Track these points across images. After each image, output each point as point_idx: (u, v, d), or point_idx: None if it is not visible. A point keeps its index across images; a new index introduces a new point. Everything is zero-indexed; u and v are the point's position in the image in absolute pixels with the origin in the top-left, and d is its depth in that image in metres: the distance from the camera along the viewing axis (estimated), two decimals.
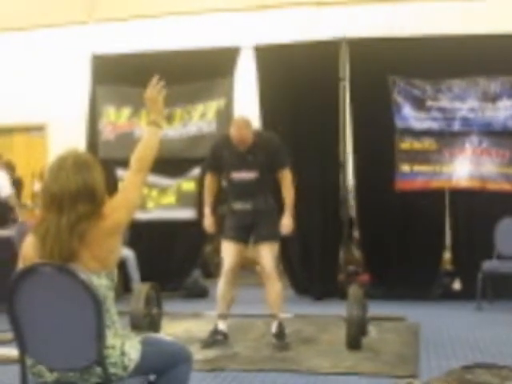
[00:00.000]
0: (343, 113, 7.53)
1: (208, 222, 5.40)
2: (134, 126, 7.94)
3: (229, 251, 5.27)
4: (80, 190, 2.58)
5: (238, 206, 5.25)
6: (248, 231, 5.29)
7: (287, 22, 9.66)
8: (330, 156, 7.58)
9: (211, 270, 8.49)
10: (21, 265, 2.62)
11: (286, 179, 5.26)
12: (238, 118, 5.37)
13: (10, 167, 10.08)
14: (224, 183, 5.60)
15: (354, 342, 4.96)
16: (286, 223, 5.23)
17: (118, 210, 2.65)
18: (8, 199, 8.20)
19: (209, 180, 5.44)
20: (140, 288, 5.40)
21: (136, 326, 4.94)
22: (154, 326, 5.25)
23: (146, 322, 5.11)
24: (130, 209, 2.71)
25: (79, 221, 2.55)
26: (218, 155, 5.30)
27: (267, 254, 5.18)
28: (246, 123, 5.16)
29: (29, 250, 2.64)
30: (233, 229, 5.29)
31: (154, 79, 2.99)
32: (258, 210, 5.21)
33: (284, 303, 5.35)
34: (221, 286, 5.25)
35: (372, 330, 5.34)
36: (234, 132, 5.12)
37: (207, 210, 5.40)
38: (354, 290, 5.21)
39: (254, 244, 5.31)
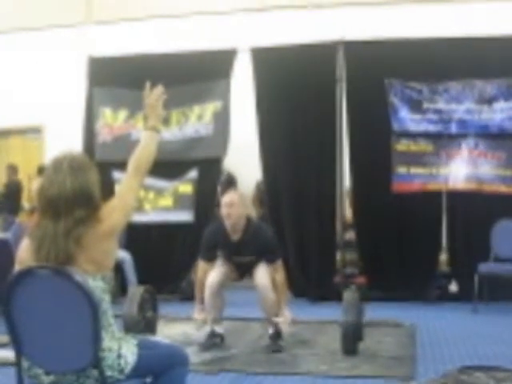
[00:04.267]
0: (340, 115, 7.54)
1: (199, 317, 5.29)
2: (130, 128, 7.94)
3: (219, 267, 5.26)
4: (76, 194, 2.58)
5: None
6: (244, 272, 5.34)
7: (284, 24, 9.67)
8: (326, 158, 7.58)
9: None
10: (17, 268, 2.62)
11: (278, 272, 5.17)
12: (229, 194, 5.30)
13: (13, 170, 10.12)
14: None
15: (350, 347, 4.94)
16: (286, 315, 5.16)
17: (115, 213, 2.65)
18: None
19: (202, 271, 5.27)
20: (134, 291, 5.37)
21: (130, 329, 4.90)
22: (149, 329, 5.23)
23: (140, 326, 5.08)
24: (126, 212, 2.71)
25: (76, 225, 2.55)
26: (213, 245, 5.28)
27: (262, 269, 5.14)
28: (235, 201, 5.11)
29: (25, 254, 2.64)
30: (228, 254, 5.29)
31: (148, 85, 2.98)
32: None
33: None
34: (207, 297, 5.16)
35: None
36: (223, 210, 5.10)
37: (198, 306, 5.29)
38: (349, 295, 5.18)
39: (251, 276, 5.29)
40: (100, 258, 2.59)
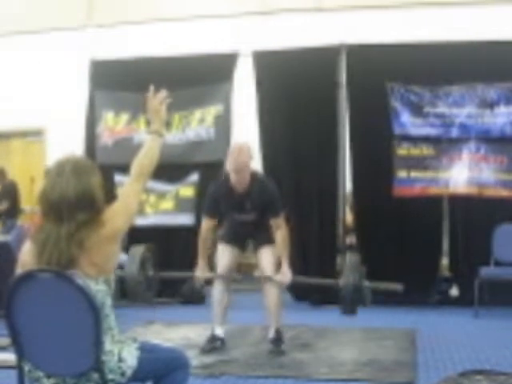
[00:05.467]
0: (341, 119, 7.54)
1: (201, 275, 5.30)
2: (132, 132, 7.95)
3: (223, 255, 5.27)
4: (79, 198, 2.58)
5: (239, 227, 5.26)
6: (246, 238, 5.29)
7: (286, 28, 9.68)
8: (327, 161, 7.58)
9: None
10: (19, 271, 2.62)
11: (280, 227, 5.15)
12: (235, 143, 5.32)
13: (1, 174, 10.07)
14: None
15: (350, 308, 4.91)
16: (285, 272, 5.14)
17: (117, 216, 2.65)
18: None
19: (205, 228, 5.27)
20: (135, 251, 5.30)
21: (132, 289, 4.84)
22: (151, 289, 5.19)
23: (141, 286, 5.03)
24: (128, 215, 2.71)
25: (78, 229, 2.55)
26: (216, 200, 5.23)
27: (267, 258, 5.17)
28: (244, 148, 5.07)
29: (27, 257, 2.64)
30: (230, 234, 5.28)
31: (152, 89, 2.99)
32: (257, 228, 5.20)
33: (282, 309, 5.34)
34: (215, 291, 5.24)
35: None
36: (231, 157, 5.03)
37: (201, 262, 5.29)
38: (350, 257, 5.18)
39: (254, 249, 5.30)
40: (102, 261, 2.59)
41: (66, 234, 2.54)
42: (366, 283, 5.18)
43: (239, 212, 5.18)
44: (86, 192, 2.60)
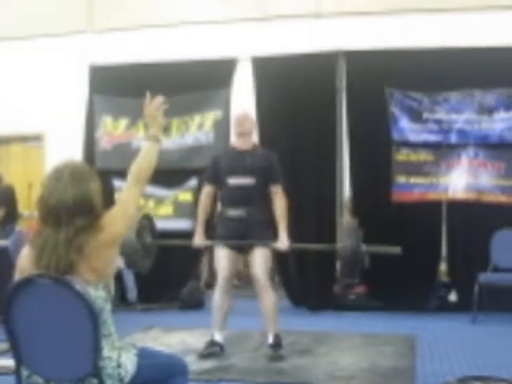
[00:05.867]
0: (340, 124, 7.55)
1: (198, 241, 5.37)
2: (131, 137, 7.96)
3: (222, 260, 5.26)
4: (77, 203, 2.58)
5: (232, 212, 5.20)
6: (240, 233, 5.28)
7: (285, 34, 9.69)
8: (326, 167, 7.59)
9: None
10: (17, 276, 2.63)
11: (279, 195, 5.24)
12: (240, 112, 5.55)
13: None
14: (220, 193, 5.55)
15: (349, 271, 4.92)
16: (283, 240, 5.17)
17: (116, 222, 2.65)
18: None
19: (205, 193, 5.40)
20: None
21: (129, 257, 4.83)
22: (148, 256, 5.18)
23: (139, 254, 5.03)
24: (127, 221, 2.71)
25: (77, 234, 2.55)
26: (217, 165, 5.31)
27: (261, 264, 5.15)
28: (249, 116, 5.45)
29: (25, 262, 2.64)
30: (225, 237, 5.28)
31: (148, 95, 3.00)
32: (251, 217, 5.15)
33: (279, 314, 5.33)
34: (216, 296, 5.24)
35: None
36: (236, 122, 5.33)
37: (199, 229, 5.37)
38: (348, 222, 5.19)
39: (248, 251, 5.27)
40: (101, 266, 2.60)
41: (65, 240, 2.54)
42: (364, 247, 5.19)
43: (238, 173, 5.18)
44: (84, 197, 2.60)
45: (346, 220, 5.24)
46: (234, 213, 5.21)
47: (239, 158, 5.20)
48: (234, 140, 5.24)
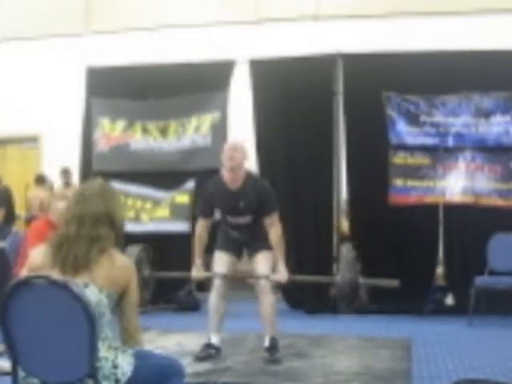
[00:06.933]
0: (337, 127, 7.56)
1: (197, 273, 5.29)
2: (128, 139, 7.94)
3: (220, 263, 5.26)
4: (101, 214, 2.72)
5: (232, 233, 5.25)
6: (242, 245, 5.29)
7: (282, 37, 9.72)
8: (323, 170, 7.60)
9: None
10: (25, 272, 2.68)
11: (274, 225, 5.12)
12: (229, 142, 5.36)
13: None
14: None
15: (347, 302, 4.90)
16: (281, 272, 5.11)
17: (123, 275, 2.71)
18: None
19: (201, 227, 5.27)
20: (130, 251, 5.30)
21: None
22: (146, 289, 5.18)
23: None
24: (132, 294, 2.76)
25: (99, 238, 2.67)
26: (210, 201, 5.24)
27: (262, 266, 5.16)
28: (239, 146, 5.08)
29: (38, 258, 2.70)
30: (226, 241, 5.28)
31: None
32: (251, 238, 5.20)
33: (277, 317, 5.33)
34: (212, 298, 5.22)
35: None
36: (225, 155, 5.02)
37: (197, 261, 5.27)
38: (345, 252, 5.16)
39: (249, 256, 5.29)
40: (114, 281, 2.68)
41: (87, 236, 2.66)
42: (362, 280, 5.17)
43: (233, 213, 5.15)
44: (108, 211, 2.75)
45: (344, 250, 5.21)
46: (234, 234, 5.25)
47: (232, 199, 5.09)
48: (224, 173, 5.04)
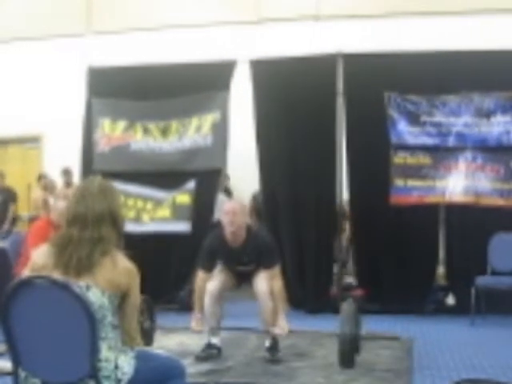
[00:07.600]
0: (338, 127, 7.55)
1: (197, 327, 5.27)
2: (129, 139, 7.93)
3: (218, 274, 5.28)
4: (104, 213, 2.72)
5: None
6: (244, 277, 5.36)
7: (283, 37, 9.72)
8: (325, 170, 7.58)
9: None
10: (28, 272, 2.68)
11: (276, 278, 5.15)
12: (229, 204, 5.36)
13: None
14: None
15: (347, 360, 4.91)
16: (282, 326, 5.10)
17: (124, 277, 2.70)
18: None
19: (201, 281, 5.27)
20: None
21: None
22: (147, 339, 5.21)
23: None
24: (134, 298, 2.76)
25: (102, 239, 2.66)
26: (212, 254, 5.29)
27: (265, 277, 5.13)
28: (238, 209, 5.12)
29: (40, 258, 2.70)
30: (228, 263, 5.32)
31: None
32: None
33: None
34: (207, 304, 5.18)
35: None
36: (226, 219, 5.07)
37: (197, 314, 5.27)
38: (346, 306, 5.16)
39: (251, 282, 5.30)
40: (116, 283, 2.68)
41: (90, 238, 2.65)
42: (363, 333, 5.17)
43: (237, 265, 5.24)
44: (110, 209, 2.75)
45: (345, 305, 5.20)
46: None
47: (234, 256, 5.17)
48: (226, 230, 5.08)
